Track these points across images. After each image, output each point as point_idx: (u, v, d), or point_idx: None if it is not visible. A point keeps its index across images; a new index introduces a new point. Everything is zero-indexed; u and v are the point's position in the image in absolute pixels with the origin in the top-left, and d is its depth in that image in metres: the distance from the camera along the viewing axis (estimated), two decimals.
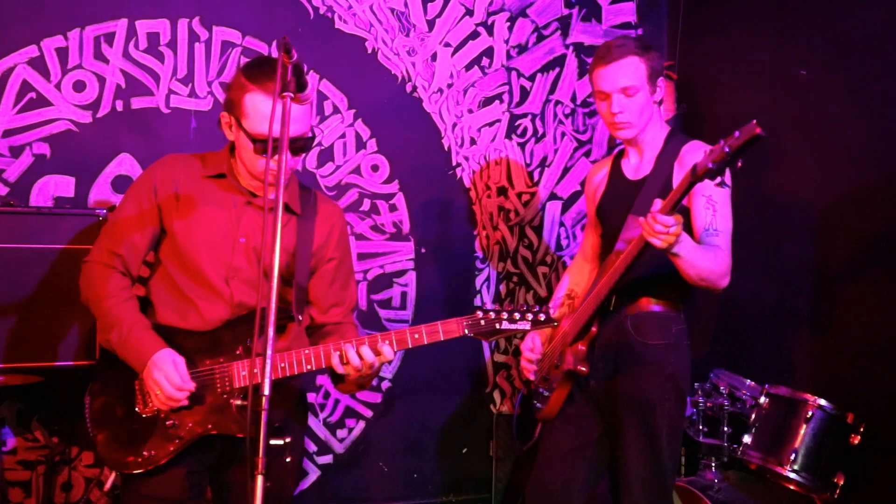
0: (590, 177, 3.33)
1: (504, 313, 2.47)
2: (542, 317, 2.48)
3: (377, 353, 2.51)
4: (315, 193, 2.84)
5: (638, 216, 2.73)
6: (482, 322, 2.48)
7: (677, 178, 2.85)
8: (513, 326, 2.47)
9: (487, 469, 4.26)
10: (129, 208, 2.68)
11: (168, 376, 2.47)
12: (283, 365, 2.53)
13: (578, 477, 3.09)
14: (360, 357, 2.50)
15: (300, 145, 2.60)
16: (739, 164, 2.40)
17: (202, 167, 2.71)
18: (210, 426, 2.54)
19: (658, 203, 2.56)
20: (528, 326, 2.48)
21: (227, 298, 2.63)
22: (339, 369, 2.53)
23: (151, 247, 2.71)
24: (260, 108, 2.51)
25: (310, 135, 2.64)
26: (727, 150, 2.36)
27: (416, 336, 2.51)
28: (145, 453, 2.52)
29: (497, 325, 2.47)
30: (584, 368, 2.95)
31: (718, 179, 2.45)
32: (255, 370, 2.45)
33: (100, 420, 2.59)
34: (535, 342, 3.17)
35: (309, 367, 2.54)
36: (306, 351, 2.55)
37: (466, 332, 2.48)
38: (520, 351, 3.21)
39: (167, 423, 2.54)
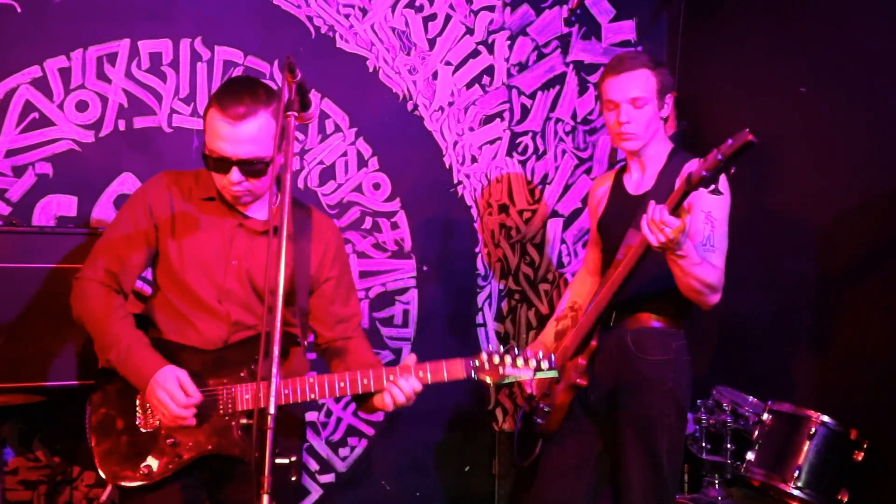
0: (592, 191, 3.35)
1: (508, 357, 2.50)
2: (545, 365, 2.50)
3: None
4: (311, 210, 2.81)
5: (638, 230, 2.74)
6: (486, 366, 2.50)
7: None
8: (515, 372, 2.49)
9: (490, 487, 4.25)
10: (125, 226, 2.67)
11: (172, 395, 2.46)
12: (286, 392, 2.52)
13: (580, 492, 3.09)
14: (404, 392, 2.53)
15: (257, 168, 2.52)
16: (732, 170, 2.42)
17: (195, 187, 2.71)
18: (210, 447, 2.53)
19: (656, 205, 2.58)
20: (529, 375, 2.51)
21: (223, 317, 2.63)
22: (391, 407, 2.56)
23: (147, 265, 2.72)
24: (213, 125, 2.52)
25: (268, 159, 2.53)
26: (720, 157, 2.40)
27: (421, 374, 2.53)
28: (143, 469, 2.52)
29: (501, 371, 2.49)
30: (582, 381, 2.95)
31: (712, 187, 2.47)
32: (260, 395, 2.46)
33: (99, 430, 2.58)
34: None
35: (312, 395, 2.54)
36: (310, 379, 2.54)
37: (473, 374, 2.51)
38: None
39: (167, 440, 2.54)
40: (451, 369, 2.52)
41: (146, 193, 2.70)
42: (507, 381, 2.52)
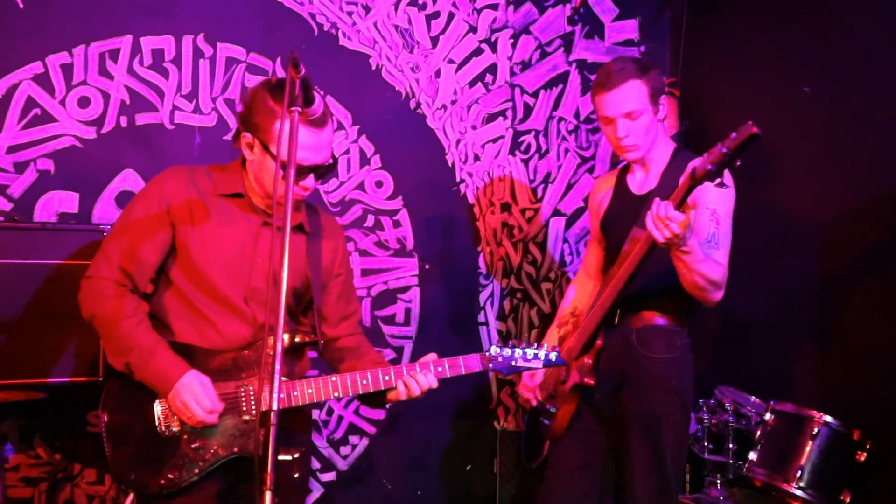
0: (594, 191, 3.34)
1: (519, 351, 2.66)
2: (553, 357, 2.66)
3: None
4: (319, 211, 2.84)
5: (642, 229, 2.73)
6: (500, 360, 2.65)
7: None
8: (527, 364, 2.67)
9: (491, 486, 4.24)
10: (139, 221, 2.57)
11: (198, 399, 2.44)
12: (310, 391, 2.56)
13: (587, 493, 3.08)
14: (420, 386, 2.62)
15: (322, 171, 2.61)
16: (738, 163, 2.41)
17: (214, 184, 2.63)
18: (236, 449, 2.51)
19: (661, 201, 2.57)
20: (540, 366, 2.67)
21: (248, 319, 2.59)
22: (403, 397, 2.63)
23: (161, 262, 2.61)
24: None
25: (331, 161, 2.63)
26: (725, 150, 2.38)
27: (440, 369, 2.64)
28: (169, 475, 2.47)
29: (513, 363, 2.66)
30: (590, 380, 2.94)
31: (717, 181, 2.46)
32: (282, 395, 2.49)
33: (117, 438, 2.52)
34: (538, 372, 3.16)
35: (336, 394, 2.59)
36: (333, 378, 2.57)
37: (490, 365, 2.65)
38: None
39: (192, 445, 2.50)
40: (468, 364, 2.65)
41: (161, 186, 2.61)
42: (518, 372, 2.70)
